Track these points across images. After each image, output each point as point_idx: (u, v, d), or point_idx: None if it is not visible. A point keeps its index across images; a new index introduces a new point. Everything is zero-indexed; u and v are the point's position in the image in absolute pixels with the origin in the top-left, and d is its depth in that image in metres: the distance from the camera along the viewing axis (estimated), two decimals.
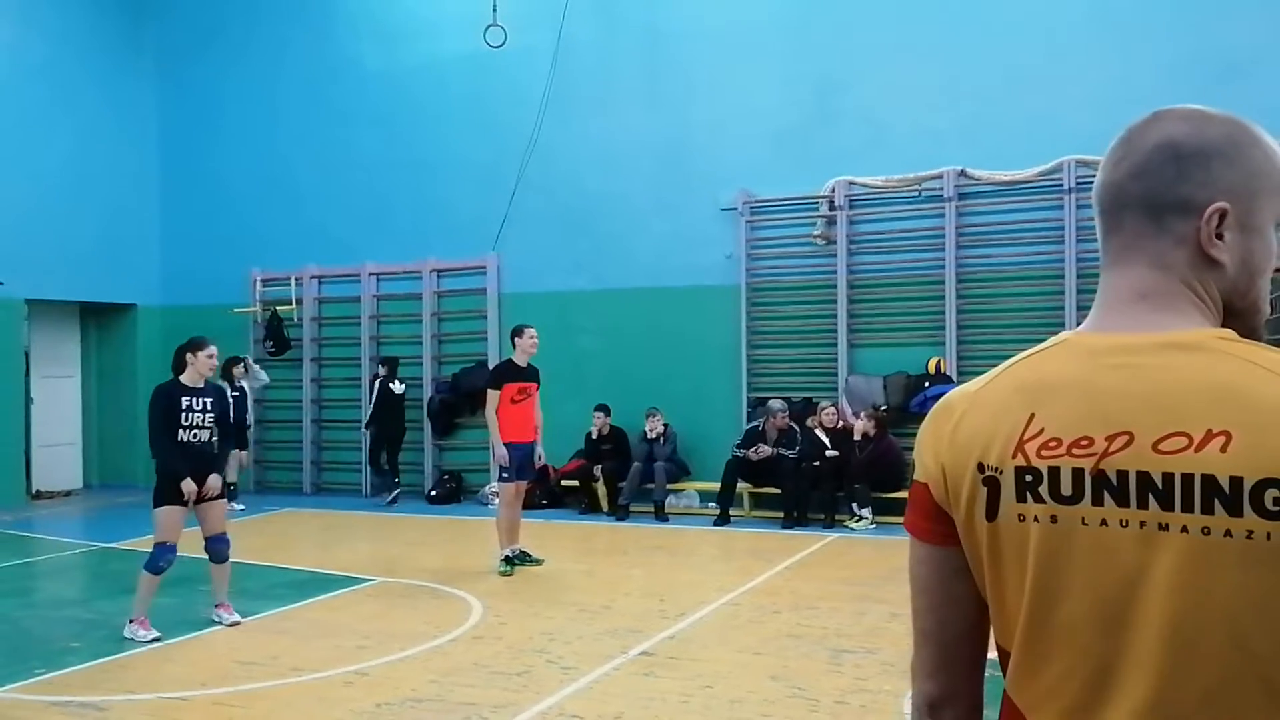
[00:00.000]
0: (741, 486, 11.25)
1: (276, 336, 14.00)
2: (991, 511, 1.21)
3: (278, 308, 14.09)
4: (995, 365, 1.30)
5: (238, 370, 12.54)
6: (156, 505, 6.63)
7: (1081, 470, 1.15)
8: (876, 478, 10.64)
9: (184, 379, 6.74)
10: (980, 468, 1.21)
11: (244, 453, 12.74)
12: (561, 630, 6.68)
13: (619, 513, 11.48)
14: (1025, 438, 1.19)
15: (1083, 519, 1.15)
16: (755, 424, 11.32)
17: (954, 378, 10.72)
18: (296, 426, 14.25)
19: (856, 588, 7.86)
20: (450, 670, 5.84)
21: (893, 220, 11.51)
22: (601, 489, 11.79)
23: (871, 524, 10.52)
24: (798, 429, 11.11)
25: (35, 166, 13.38)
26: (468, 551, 9.56)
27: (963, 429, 1.24)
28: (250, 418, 12.97)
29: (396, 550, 10.01)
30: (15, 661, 6.09)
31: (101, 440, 14.76)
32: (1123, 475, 1.13)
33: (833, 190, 11.53)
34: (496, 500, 9.55)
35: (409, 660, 6.04)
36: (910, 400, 10.92)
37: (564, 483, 12.11)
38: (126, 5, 14.87)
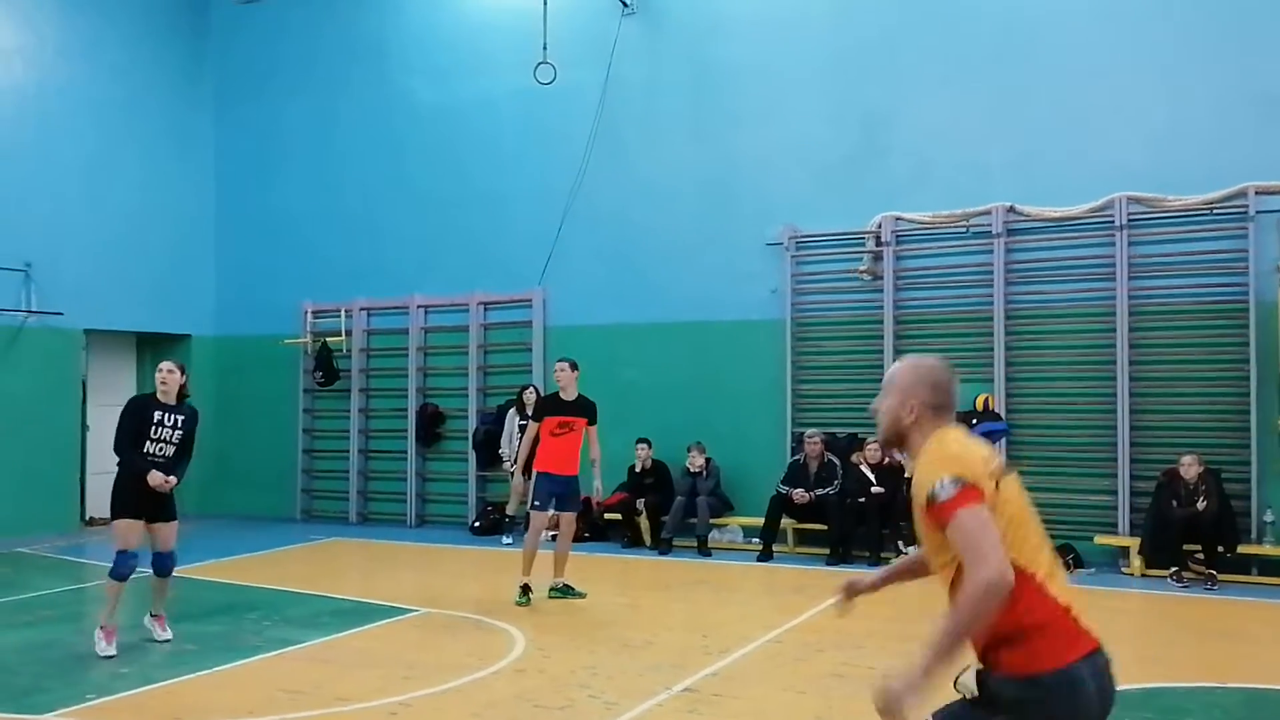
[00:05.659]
0: (786, 522, 11.17)
1: (326, 367, 14.23)
2: None
3: (327, 339, 14.31)
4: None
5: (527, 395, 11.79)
6: (115, 517, 6.94)
7: None
8: None
9: (159, 394, 7.08)
10: None
11: None
12: (604, 664, 6.65)
13: (661, 546, 11.44)
14: None
15: None
16: (798, 457, 11.26)
17: (1002, 415, 10.57)
18: (344, 456, 14.40)
19: (903, 626, 7.72)
20: (492, 703, 5.84)
21: (940, 256, 11.44)
22: (644, 522, 11.76)
23: None
24: (837, 461, 11.03)
25: (98, 200, 13.76)
26: (511, 583, 9.55)
27: None
28: None
29: (440, 581, 10.04)
30: (67, 685, 6.19)
31: None
32: None
33: (879, 225, 11.50)
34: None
35: (452, 692, 6.04)
36: None
37: (607, 516, 12.09)
38: (188, 43, 15.29)
